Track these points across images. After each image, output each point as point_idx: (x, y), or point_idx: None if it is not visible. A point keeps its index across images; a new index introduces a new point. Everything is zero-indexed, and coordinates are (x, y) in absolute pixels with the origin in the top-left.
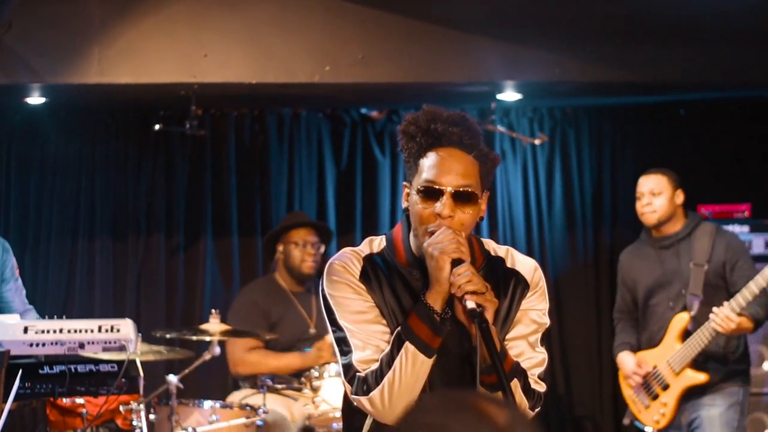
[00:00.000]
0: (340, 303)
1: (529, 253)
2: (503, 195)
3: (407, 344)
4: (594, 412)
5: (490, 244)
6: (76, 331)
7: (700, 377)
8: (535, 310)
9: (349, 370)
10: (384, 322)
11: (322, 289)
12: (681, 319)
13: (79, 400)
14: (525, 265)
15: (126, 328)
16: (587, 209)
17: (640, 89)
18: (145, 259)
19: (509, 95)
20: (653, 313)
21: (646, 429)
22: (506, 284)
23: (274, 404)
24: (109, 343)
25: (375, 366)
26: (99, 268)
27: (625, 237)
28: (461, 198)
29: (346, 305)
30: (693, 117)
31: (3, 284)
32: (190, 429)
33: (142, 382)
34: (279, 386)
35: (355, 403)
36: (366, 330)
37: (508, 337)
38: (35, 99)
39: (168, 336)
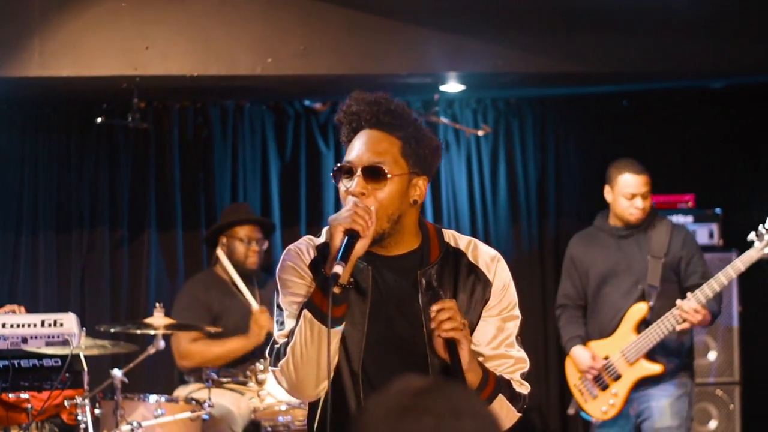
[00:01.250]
0: (284, 285)
1: None
2: (447, 187)
3: (304, 311)
4: (540, 404)
5: (450, 235)
6: (19, 326)
7: (656, 368)
8: (507, 311)
9: (272, 345)
10: None
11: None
12: (639, 310)
13: (24, 395)
14: (487, 262)
15: (69, 322)
16: (532, 200)
17: (583, 80)
18: (89, 253)
19: (452, 86)
20: (605, 302)
21: (591, 419)
22: (466, 280)
23: (219, 398)
24: (53, 337)
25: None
26: (43, 262)
27: (570, 227)
28: (370, 174)
29: (289, 288)
30: (636, 107)
31: None
32: (135, 423)
33: (86, 377)
34: (224, 380)
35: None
36: None
37: (491, 347)
38: None
39: (112, 330)
